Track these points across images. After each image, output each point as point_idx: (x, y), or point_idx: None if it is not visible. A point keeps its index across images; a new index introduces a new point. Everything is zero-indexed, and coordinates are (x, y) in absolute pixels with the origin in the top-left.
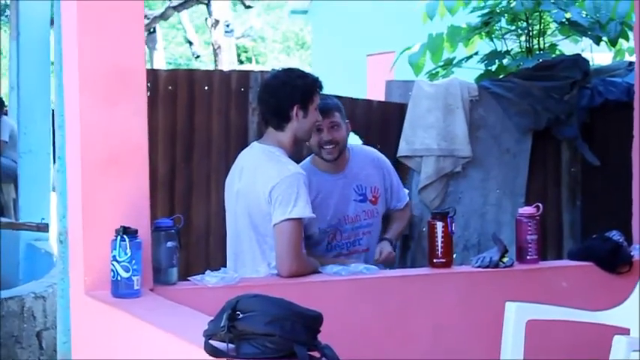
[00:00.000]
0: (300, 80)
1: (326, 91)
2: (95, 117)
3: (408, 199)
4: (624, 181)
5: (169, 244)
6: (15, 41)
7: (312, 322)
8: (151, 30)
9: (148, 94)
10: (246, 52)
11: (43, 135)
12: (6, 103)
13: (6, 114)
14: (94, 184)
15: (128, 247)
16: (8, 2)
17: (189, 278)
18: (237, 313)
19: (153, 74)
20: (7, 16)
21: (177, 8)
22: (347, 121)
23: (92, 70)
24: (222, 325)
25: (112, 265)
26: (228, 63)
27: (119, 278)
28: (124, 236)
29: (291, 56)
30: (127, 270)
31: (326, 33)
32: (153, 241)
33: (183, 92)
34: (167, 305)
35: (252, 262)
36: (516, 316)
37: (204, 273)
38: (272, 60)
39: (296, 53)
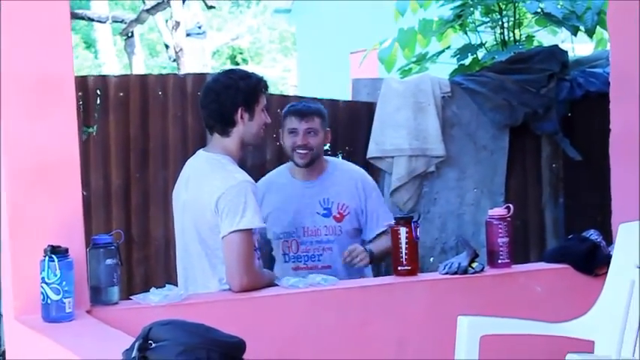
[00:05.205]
0: (242, 82)
1: (310, 91)
2: (20, 129)
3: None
4: (609, 176)
5: (109, 261)
6: None
7: (232, 350)
8: (129, 34)
9: (99, 101)
10: (241, 53)
11: None
12: None
13: None
14: (20, 200)
15: (57, 267)
16: None
17: (131, 297)
18: (150, 342)
19: (102, 80)
20: None
21: (150, 11)
22: (328, 129)
23: (14, 79)
24: (132, 356)
25: (42, 287)
26: (201, 66)
27: (49, 301)
28: (53, 256)
29: (289, 57)
30: (57, 292)
31: (310, 31)
32: (91, 258)
33: (136, 98)
34: (98, 329)
35: (202, 277)
36: (469, 331)
37: (163, 287)
38: (269, 61)
39: (294, 54)
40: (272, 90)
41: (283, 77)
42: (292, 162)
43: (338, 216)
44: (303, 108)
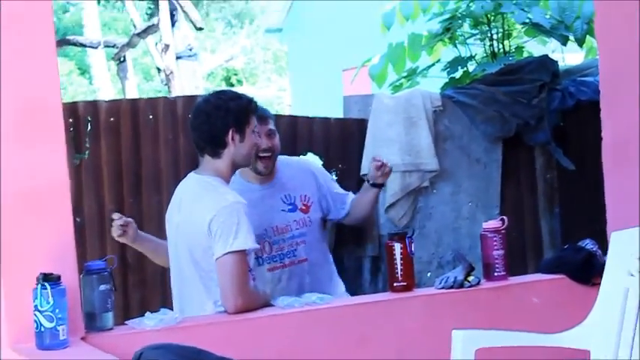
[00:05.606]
0: (233, 102)
1: (304, 109)
2: (8, 157)
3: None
4: (603, 184)
5: (102, 287)
6: None
7: None
8: (121, 59)
9: (90, 127)
10: (236, 74)
11: None
12: None
13: None
14: (11, 228)
15: (50, 295)
16: None
17: (126, 322)
18: None
19: (93, 106)
20: None
21: (141, 35)
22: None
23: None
24: None
25: (35, 315)
26: (193, 88)
27: (43, 329)
28: (45, 284)
29: (283, 76)
30: (50, 320)
31: (302, 50)
32: (84, 285)
33: (127, 123)
34: (93, 356)
35: (197, 300)
36: (464, 345)
37: (158, 311)
38: (264, 81)
39: (288, 73)
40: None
41: (279, 97)
42: (253, 170)
43: (304, 208)
44: (261, 112)
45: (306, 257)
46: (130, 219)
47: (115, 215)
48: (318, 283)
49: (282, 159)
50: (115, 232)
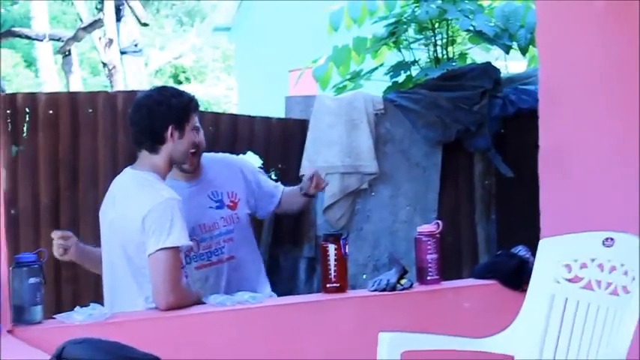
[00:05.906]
0: (174, 99)
1: (248, 109)
2: None
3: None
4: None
5: (32, 280)
6: None
7: None
8: (66, 53)
9: (27, 119)
10: (184, 72)
11: None
12: None
13: None
14: None
15: None
16: None
17: (55, 316)
18: None
19: (31, 98)
20: None
21: (87, 29)
22: None
23: None
24: None
25: None
26: (138, 84)
27: None
28: None
29: (232, 75)
30: None
31: (250, 49)
32: (14, 277)
33: (66, 116)
34: (19, 349)
35: (129, 296)
36: (389, 347)
37: (88, 306)
38: (212, 79)
39: (235, 72)
40: (215, 109)
41: (227, 95)
42: (177, 168)
43: (231, 204)
44: None
45: (234, 255)
46: (69, 232)
47: (55, 234)
48: (247, 280)
49: (207, 156)
50: (57, 252)
